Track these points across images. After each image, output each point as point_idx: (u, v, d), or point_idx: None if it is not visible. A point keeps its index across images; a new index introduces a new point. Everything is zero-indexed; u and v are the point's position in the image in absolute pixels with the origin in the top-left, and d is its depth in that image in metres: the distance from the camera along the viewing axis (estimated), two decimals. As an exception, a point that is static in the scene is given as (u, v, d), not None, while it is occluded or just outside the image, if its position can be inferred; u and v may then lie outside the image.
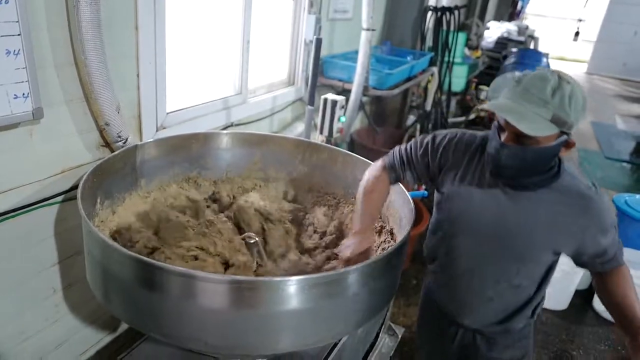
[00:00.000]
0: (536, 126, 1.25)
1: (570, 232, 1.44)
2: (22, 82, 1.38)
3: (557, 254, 1.52)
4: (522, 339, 1.73)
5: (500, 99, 1.34)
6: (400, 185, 1.73)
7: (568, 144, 1.36)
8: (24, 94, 1.39)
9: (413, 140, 1.68)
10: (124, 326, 2.09)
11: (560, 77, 1.28)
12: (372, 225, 1.62)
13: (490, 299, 1.61)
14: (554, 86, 1.26)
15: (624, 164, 6.93)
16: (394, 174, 1.66)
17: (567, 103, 1.25)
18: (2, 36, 1.30)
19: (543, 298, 1.68)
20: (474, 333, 1.73)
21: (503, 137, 1.35)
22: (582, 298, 3.56)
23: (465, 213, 1.54)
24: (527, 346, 1.76)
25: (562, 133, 1.30)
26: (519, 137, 1.31)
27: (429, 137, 1.63)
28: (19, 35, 1.34)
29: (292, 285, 1.16)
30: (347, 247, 1.48)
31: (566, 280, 3.32)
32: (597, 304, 3.45)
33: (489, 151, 1.43)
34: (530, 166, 1.37)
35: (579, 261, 1.55)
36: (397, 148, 1.69)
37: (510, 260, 1.52)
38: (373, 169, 1.68)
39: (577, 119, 1.28)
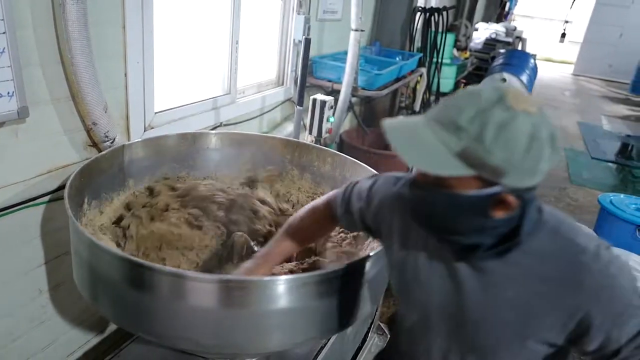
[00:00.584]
0: (433, 160, 0.84)
1: (554, 318, 0.94)
2: (7, 80, 1.37)
3: (553, 345, 0.98)
4: None
5: (406, 119, 0.95)
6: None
7: (502, 202, 0.87)
8: (8, 93, 1.38)
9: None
10: (111, 327, 2.07)
11: (503, 97, 0.82)
12: (266, 268, 1.37)
13: None
14: (481, 108, 0.82)
15: (610, 164, 7.02)
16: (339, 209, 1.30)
17: (492, 136, 0.80)
18: (-14, 34, 1.28)
19: None
20: None
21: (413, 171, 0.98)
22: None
23: (410, 288, 1.12)
24: None
25: (489, 183, 0.84)
26: (426, 176, 0.91)
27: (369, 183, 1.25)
28: (3, 33, 1.32)
29: (281, 285, 1.17)
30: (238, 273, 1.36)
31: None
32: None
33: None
34: (445, 219, 0.93)
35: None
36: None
37: (473, 353, 1.05)
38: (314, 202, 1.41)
39: (514, 164, 0.81)
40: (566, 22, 14.02)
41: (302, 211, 1.40)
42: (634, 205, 3.73)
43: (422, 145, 0.86)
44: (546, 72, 13.79)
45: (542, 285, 0.93)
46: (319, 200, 1.39)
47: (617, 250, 3.49)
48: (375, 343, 2.50)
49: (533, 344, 0.97)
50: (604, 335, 0.91)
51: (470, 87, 0.90)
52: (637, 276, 2.98)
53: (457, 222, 0.92)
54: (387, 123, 0.90)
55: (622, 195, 3.89)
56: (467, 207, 0.88)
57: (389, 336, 2.55)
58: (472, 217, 0.89)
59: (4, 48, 1.33)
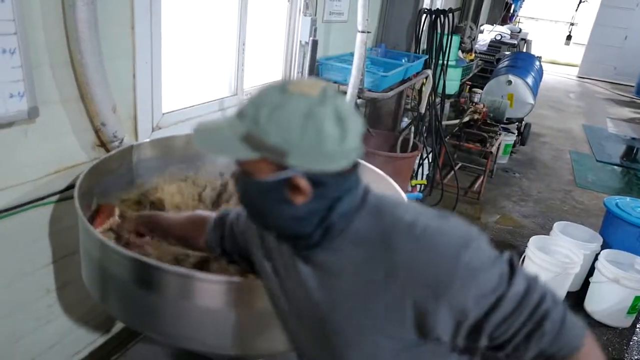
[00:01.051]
0: (222, 144, 0.87)
1: (385, 305, 0.87)
2: (18, 81, 1.38)
3: (409, 341, 0.89)
4: None
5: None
6: (396, 185, 1.74)
7: (294, 186, 0.85)
8: (19, 93, 1.39)
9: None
10: (117, 327, 2.08)
11: (285, 84, 0.85)
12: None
13: None
14: (261, 94, 0.85)
15: (615, 167, 7.00)
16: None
17: (266, 116, 0.81)
18: (-2, 35, 1.29)
19: None
20: None
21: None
22: (574, 299, 3.59)
23: (283, 312, 1.09)
24: None
25: (282, 168, 0.84)
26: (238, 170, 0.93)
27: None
28: (15, 34, 1.33)
29: (289, 286, 1.17)
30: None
31: (558, 282, 3.35)
32: (589, 305, 3.48)
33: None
34: (259, 210, 0.93)
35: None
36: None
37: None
38: None
39: (293, 144, 0.81)
40: (571, 24, 14.00)
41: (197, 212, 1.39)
42: (639, 209, 3.72)
43: (216, 133, 0.88)
44: (551, 75, 13.77)
45: (367, 270, 0.88)
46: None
47: (620, 253, 3.43)
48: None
49: (384, 340, 0.90)
50: (452, 319, 0.84)
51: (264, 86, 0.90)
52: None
53: (267, 211, 0.91)
54: (197, 124, 0.92)
55: (628, 198, 3.89)
56: (267, 194, 0.87)
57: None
58: (277, 205, 0.88)
59: (15, 48, 1.34)
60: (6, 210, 1.49)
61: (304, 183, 0.84)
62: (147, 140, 1.88)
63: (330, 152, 0.82)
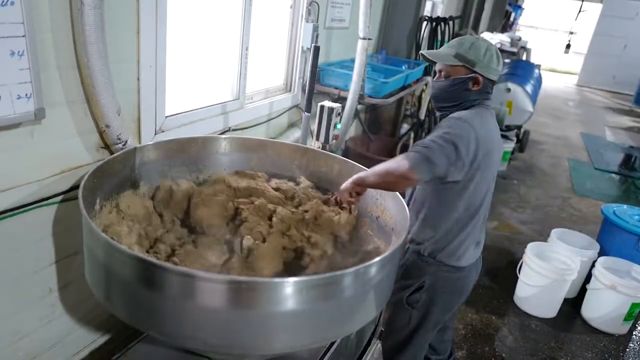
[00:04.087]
0: (441, 57, 1.82)
1: None
2: (25, 82, 1.40)
3: None
4: None
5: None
6: (397, 193, 1.77)
7: (476, 80, 1.78)
8: (26, 95, 1.41)
9: None
10: (118, 327, 2.09)
11: (468, 36, 1.83)
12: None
13: None
14: (461, 39, 1.81)
15: (613, 175, 7.03)
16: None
17: (467, 47, 1.77)
18: (7, 37, 1.32)
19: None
20: None
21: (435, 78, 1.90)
22: (570, 306, 3.60)
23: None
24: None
25: (470, 71, 1.77)
26: (440, 74, 1.84)
27: None
28: (23, 36, 1.36)
29: (289, 287, 1.19)
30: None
31: (555, 289, 3.37)
32: (586, 312, 3.50)
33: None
34: (447, 96, 1.83)
35: None
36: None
37: None
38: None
39: (479, 60, 1.76)
40: (571, 33, 14.07)
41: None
42: (637, 216, 3.75)
43: (437, 54, 1.86)
44: (550, 83, 13.83)
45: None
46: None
47: (617, 260, 3.46)
48: (378, 349, 2.51)
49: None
50: None
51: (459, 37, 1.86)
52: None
53: (454, 95, 1.81)
54: (424, 51, 1.91)
55: (625, 206, 3.92)
56: (459, 84, 1.80)
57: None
58: (461, 91, 1.81)
59: (23, 51, 1.37)
60: (12, 209, 1.51)
61: (480, 79, 1.78)
62: (151, 142, 1.90)
63: (492, 68, 1.79)
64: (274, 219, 1.76)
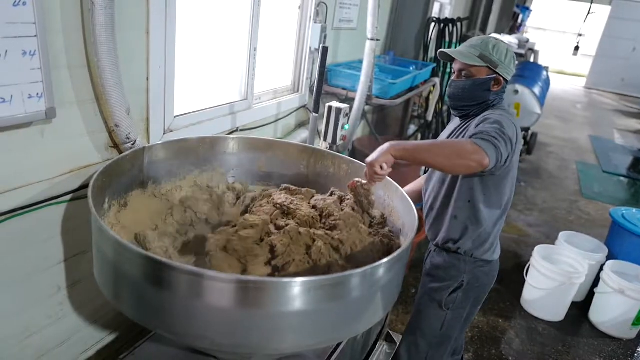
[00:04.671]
0: (467, 57, 1.80)
1: None
2: (37, 82, 1.41)
3: None
4: None
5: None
6: (403, 192, 1.77)
7: (497, 81, 1.82)
8: (37, 94, 1.42)
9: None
10: (125, 326, 2.10)
11: (490, 37, 1.85)
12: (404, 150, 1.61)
13: None
14: (482, 39, 1.83)
15: (622, 178, 6.98)
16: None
17: (491, 48, 1.79)
18: (19, 37, 1.33)
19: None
20: None
21: (453, 77, 1.90)
22: (578, 310, 3.58)
23: None
24: None
25: (492, 72, 1.80)
26: (461, 74, 1.84)
27: None
28: (35, 36, 1.37)
29: (298, 287, 1.19)
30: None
31: (563, 292, 3.35)
32: (594, 316, 3.48)
33: (447, 90, 1.95)
34: (469, 96, 1.84)
35: None
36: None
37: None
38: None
39: (501, 61, 1.79)
40: (579, 35, 13.99)
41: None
42: (646, 220, 3.72)
43: (460, 53, 1.83)
44: (558, 85, 13.77)
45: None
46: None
47: (625, 264, 3.43)
48: (384, 351, 2.50)
49: None
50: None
51: (475, 37, 1.88)
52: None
53: (475, 95, 1.83)
54: (445, 49, 1.89)
55: (634, 210, 3.88)
56: (481, 85, 1.82)
57: (397, 344, 2.56)
58: (482, 92, 1.83)
59: (35, 50, 1.38)
60: (23, 208, 1.52)
61: (501, 80, 1.82)
62: (160, 142, 1.91)
63: (511, 69, 1.82)
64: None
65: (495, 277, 2.04)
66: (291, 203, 1.74)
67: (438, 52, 1.94)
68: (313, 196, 1.89)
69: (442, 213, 1.95)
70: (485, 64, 1.79)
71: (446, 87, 5.36)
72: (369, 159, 1.63)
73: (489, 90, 1.82)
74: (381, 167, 1.61)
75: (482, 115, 1.78)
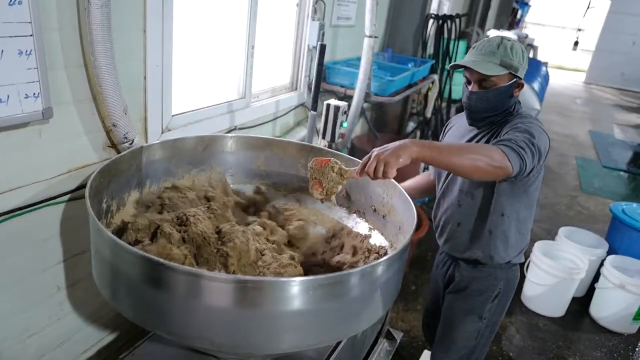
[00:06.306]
0: (489, 68, 1.67)
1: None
2: (33, 82, 1.41)
3: None
4: None
5: (463, 59, 1.77)
6: (402, 189, 1.76)
7: (519, 85, 1.75)
8: (34, 94, 1.42)
9: None
10: (125, 326, 2.10)
11: (503, 38, 1.73)
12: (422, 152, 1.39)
13: None
14: (497, 43, 1.70)
15: (622, 173, 6.97)
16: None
17: (510, 52, 1.68)
18: (14, 36, 1.32)
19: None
20: None
21: (470, 87, 1.75)
22: (579, 305, 3.58)
23: None
24: None
25: (512, 76, 1.70)
26: (482, 84, 1.72)
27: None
28: (31, 36, 1.36)
29: (296, 286, 1.19)
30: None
31: (563, 288, 3.35)
32: (594, 311, 3.48)
33: (463, 101, 1.81)
34: (493, 105, 1.73)
35: None
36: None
37: None
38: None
39: (521, 64, 1.70)
40: (579, 30, 13.97)
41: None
42: (646, 215, 3.71)
43: (480, 64, 1.68)
44: (558, 80, 13.74)
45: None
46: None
47: (626, 259, 3.42)
48: (385, 348, 2.51)
49: None
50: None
51: (484, 39, 1.76)
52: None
53: (498, 103, 1.73)
54: (459, 61, 1.78)
55: (634, 205, 3.88)
56: (504, 92, 1.72)
57: (398, 341, 2.56)
58: (505, 99, 1.73)
59: (31, 50, 1.37)
60: (20, 208, 1.52)
61: (522, 82, 1.75)
62: (157, 141, 1.91)
63: (526, 69, 1.73)
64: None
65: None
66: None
67: (450, 65, 1.84)
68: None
69: (475, 229, 1.86)
70: (508, 71, 1.68)
71: (445, 84, 5.36)
72: (383, 153, 1.37)
73: (511, 96, 1.74)
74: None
75: (511, 124, 1.68)
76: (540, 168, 1.71)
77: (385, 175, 1.36)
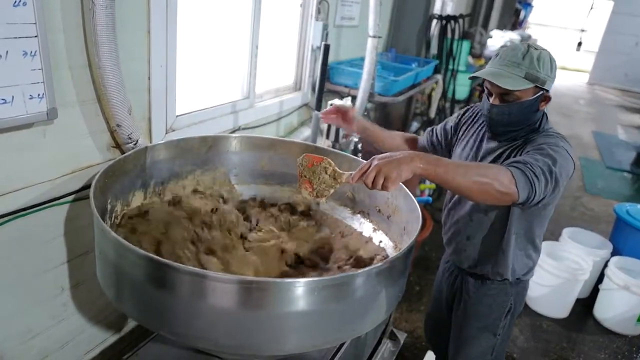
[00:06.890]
0: (513, 82, 1.53)
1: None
2: (38, 83, 1.40)
3: None
4: None
5: (485, 69, 1.64)
6: (407, 190, 1.75)
7: (545, 98, 1.62)
8: (39, 95, 1.42)
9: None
10: (129, 326, 2.10)
11: (529, 45, 1.58)
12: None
13: None
14: (523, 52, 1.55)
15: (625, 174, 6.95)
16: None
17: (536, 63, 1.53)
18: (19, 37, 1.32)
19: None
20: None
21: (491, 100, 1.63)
22: (583, 306, 3.57)
23: None
24: None
25: (539, 89, 1.57)
26: (503, 97, 1.59)
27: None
28: (35, 36, 1.36)
29: (301, 287, 1.18)
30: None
31: (567, 289, 3.34)
32: (598, 312, 3.47)
33: (483, 113, 1.72)
34: (516, 120, 1.62)
35: None
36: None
37: None
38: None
39: (548, 76, 1.56)
40: (582, 30, 13.94)
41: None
42: (650, 216, 3.70)
43: (503, 77, 1.54)
44: (561, 81, 13.70)
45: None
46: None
47: (630, 260, 3.41)
48: (389, 349, 2.50)
49: None
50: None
51: (509, 46, 1.61)
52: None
53: (523, 118, 1.61)
54: (478, 73, 1.61)
55: (638, 206, 3.87)
56: (529, 106, 1.59)
57: (402, 342, 2.55)
58: (530, 113, 1.61)
59: (35, 51, 1.37)
60: (25, 209, 1.52)
61: (549, 95, 1.61)
62: (162, 141, 1.90)
63: (554, 79, 1.59)
64: None
65: None
66: None
67: (470, 77, 1.70)
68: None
69: (485, 245, 1.81)
70: (534, 84, 1.54)
71: (449, 84, 5.36)
72: (385, 165, 1.28)
73: (537, 110, 1.62)
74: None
75: (535, 143, 1.57)
76: (555, 196, 1.56)
77: (384, 189, 1.28)
